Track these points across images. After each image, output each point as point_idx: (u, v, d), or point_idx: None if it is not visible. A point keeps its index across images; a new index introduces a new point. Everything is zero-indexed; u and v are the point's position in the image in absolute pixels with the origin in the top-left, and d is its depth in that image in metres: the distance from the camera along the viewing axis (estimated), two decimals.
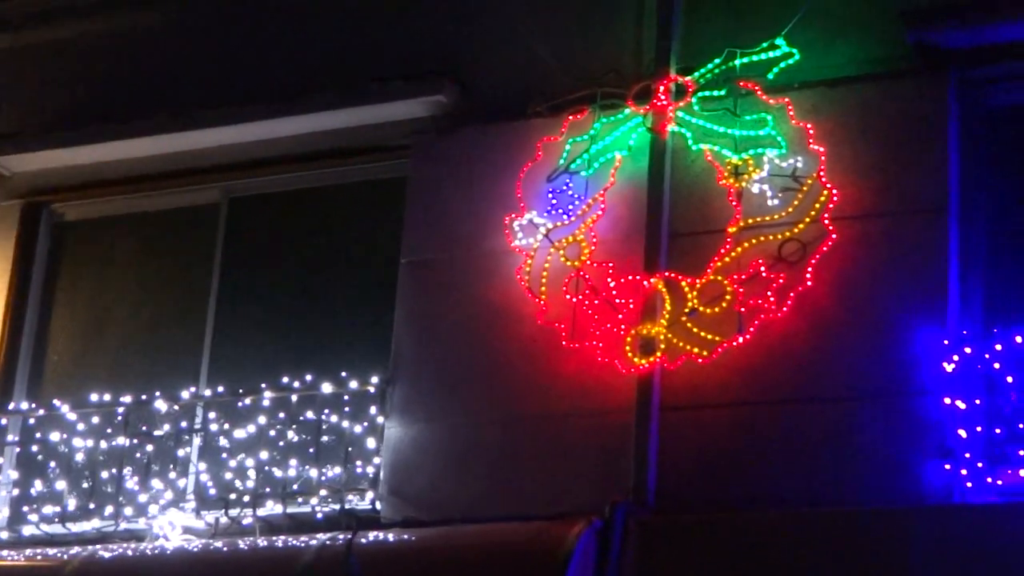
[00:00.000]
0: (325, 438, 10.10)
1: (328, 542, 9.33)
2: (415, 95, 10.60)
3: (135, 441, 10.52)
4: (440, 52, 10.66)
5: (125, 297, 11.38)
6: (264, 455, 10.20)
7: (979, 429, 8.62)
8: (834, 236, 9.20)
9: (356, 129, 10.79)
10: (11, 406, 10.99)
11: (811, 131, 9.42)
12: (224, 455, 10.33)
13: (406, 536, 9.03)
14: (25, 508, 10.69)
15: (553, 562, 8.53)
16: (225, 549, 9.62)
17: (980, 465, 8.58)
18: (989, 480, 8.57)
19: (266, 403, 10.28)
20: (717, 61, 9.81)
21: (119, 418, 10.60)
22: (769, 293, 9.22)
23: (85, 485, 10.53)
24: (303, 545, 9.39)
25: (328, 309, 10.70)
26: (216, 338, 10.94)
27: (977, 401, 8.65)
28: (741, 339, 9.22)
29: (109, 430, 10.62)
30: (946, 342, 8.84)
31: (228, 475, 10.27)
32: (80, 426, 10.68)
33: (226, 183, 11.22)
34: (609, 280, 9.60)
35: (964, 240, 9.14)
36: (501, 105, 10.42)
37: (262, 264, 11.07)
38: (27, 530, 10.64)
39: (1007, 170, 9.35)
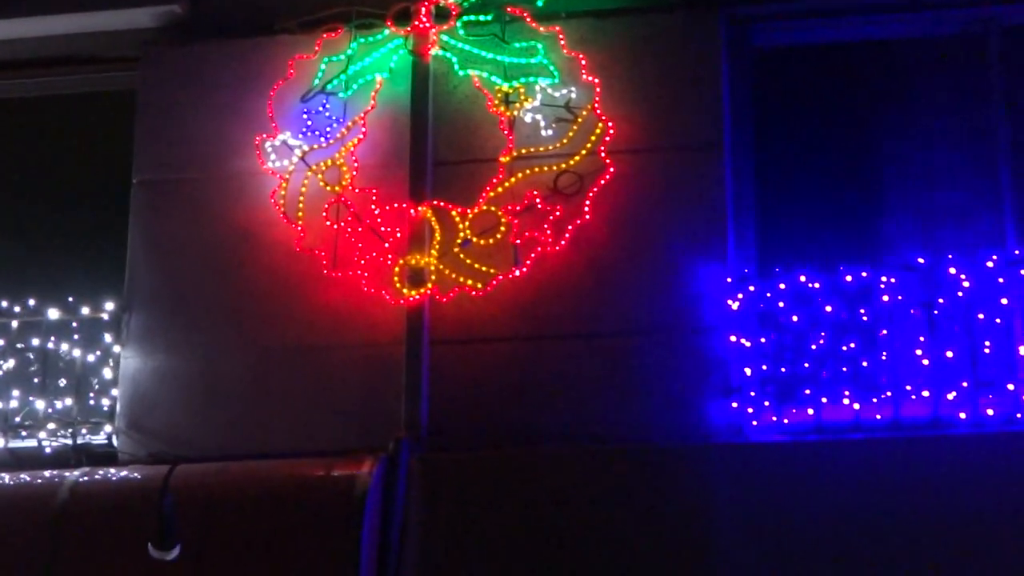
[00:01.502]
0: (56, 368, 8.86)
1: (83, 478, 8.20)
2: (144, 3, 9.42)
3: None
4: None
5: None
6: None
7: (764, 368, 8.26)
8: (611, 170, 8.65)
9: (81, 36, 9.52)
10: None
11: (583, 62, 8.82)
12: None
13: (188, 471, 7.94)
14: None
15: (350, 499, 7.73)
16: None
17: (766, 404, 8.22)
18: (775, 419, 8.22)
19: None
20: None
21: None
22: (546, 226, 8.61)
23: None
24: (53, 481, 8.21)
25: (52, 228, 9.43)
26: None
27: (762, 340, 8.28)
28: (517, 272, 8.57)
29: None
30: (729, 280, 8.43)
31: None
32: None
33: None
34: (373, 207, 8.78)
35: (736, 178, 8.73)
36: (241, 19, 9.38)
37: None
38: None
39: (773, 109, 8.99)
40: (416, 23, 9.00)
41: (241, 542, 7.82)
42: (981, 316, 8.15)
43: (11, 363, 8.96)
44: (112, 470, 8.51)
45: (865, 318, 8.25)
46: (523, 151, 8.75)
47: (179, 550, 7.61)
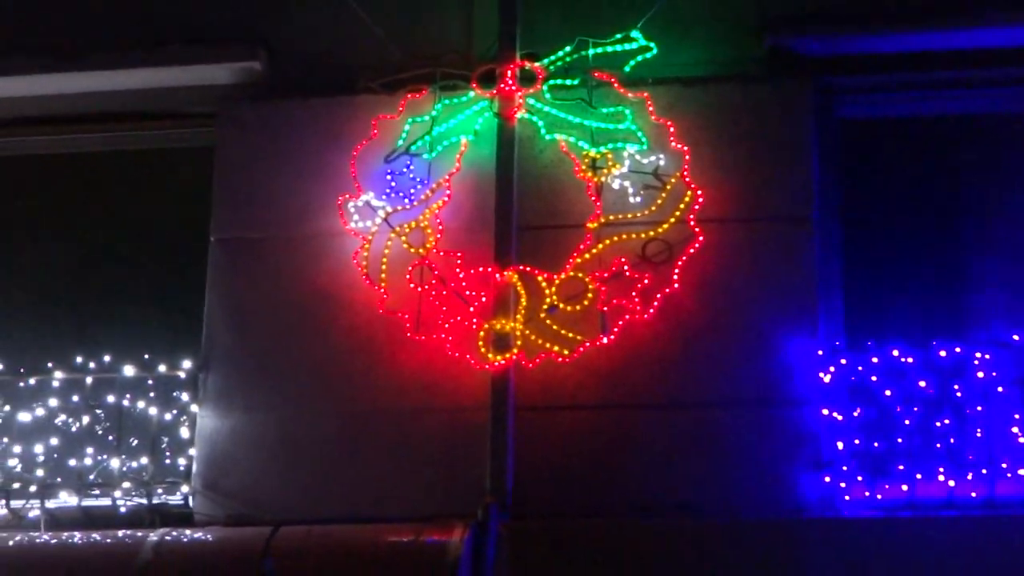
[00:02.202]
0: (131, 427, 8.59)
1: (165, 538, 7.91)
2: (223, 60, 9.19)
3: None
4: (256, 17, 9.30)
5: None
6: (55, 441, 8.59)
7: (856, 442, 8.00)
8: (701, 238, 8.41)
9: (158, 91, 9.28)
10: None
11: (672, 129, 8.60)
12: (6, 440, 8.66)
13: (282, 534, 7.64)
14: None
15: (443, 566, 7.45)
16: (51, 542, 8.06)
17: (859, 479, 7.96)
18: (867, 494, 7.96)
19: (56, 384, 8.66)
20: (568, 49, 8.84)
21: None
22: (633, 293, 8.36)
23: None
24: (134, 541, 7.91)
25: (130, 285, 9.15)
26: None
27: (855, 413, 8.03)
28: (605, 339, 8.31)
29: None
30: (820, 352, 8.19)
31: (12, 463, 8.62)
32: None
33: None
34: (458, 271, 8.52)
35: (824, 251, 8.51)
36: (322, 77, 9.14)
37: (44, 229, 9.40)
38: None
39: (862, 182, 8.78)
40: (502, 85, 8.76)
41: None
42: None
43: (86, 420, 8.64)
44: (192, 531, 8.20)
45: (959, 394, 8.00)
46: (611, 217, 8.52)
47: None
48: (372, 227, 8.65)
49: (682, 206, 8.46)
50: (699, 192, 8.46)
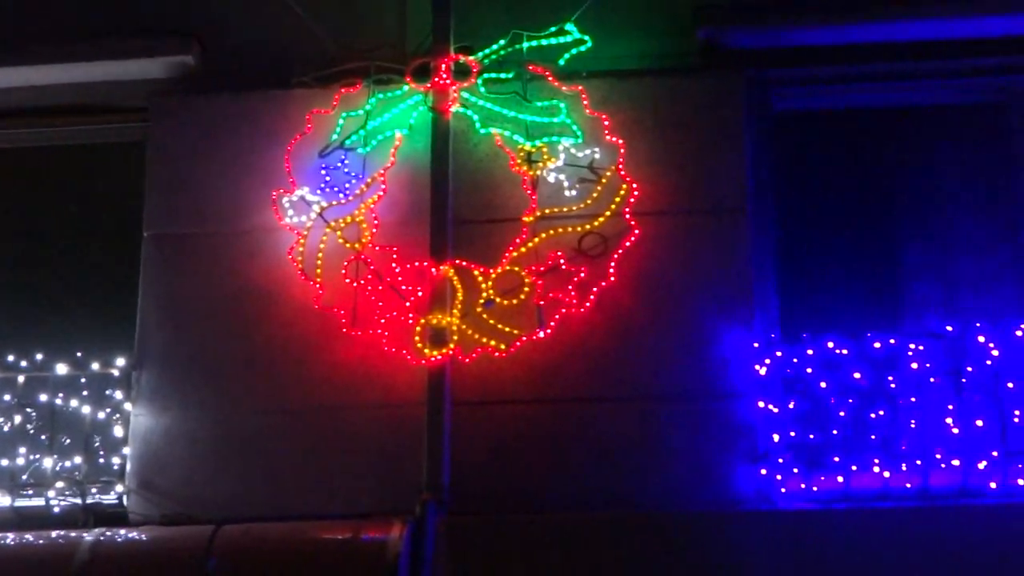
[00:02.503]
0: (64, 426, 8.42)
1: (103, 538, 7.75)
2: (156, 53, 9.03)
3: None
4: (189, 11, 9.14)
5: None
6: None
7: (792, 434, 7.95)
8: (636, 231, 8.33)
9: (89, 85, 9.10)
10: None
11: (607, 122, 8.51)
12: None
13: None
14: None
15: (383, 563, 7.35)
16: None
17: (795, 471, 7.91)
18: (803, 486, 7.91)
19: None
20: (503, 43, 8.74)
21: None
22: (570, 287, 8.27)
23: None
24: (70, 542, 7.75)
25: (61, 282, 8.97)
26: None
27: (791, 405, 7.97)
28: (541, 333, 8.22)
29: None
30: (756, 345, 8.13)
31: None
32: None
33: None
34: (394, 265, 8.40)
35: (758, 243, 8.44)
36: (255, 72, 8.99)
37: None
38: None
39: (795, 174, 8.72)
40: (436, 79, 8.65)
41: None
42: (1011, 385, 7.88)
43: (18, 420, 8.47)
44: (128, 531, 8.05)
45: (893, 385, 7.96)
46: (546, 211, 8.43)
47: None
48: (307, 222, 8.52)
49: (617, 199, 8.38)
50: (634, 185, 8.38)
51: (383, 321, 8.30)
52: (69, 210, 9.14)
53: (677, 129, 8.55)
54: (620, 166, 8.43)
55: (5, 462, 8.45)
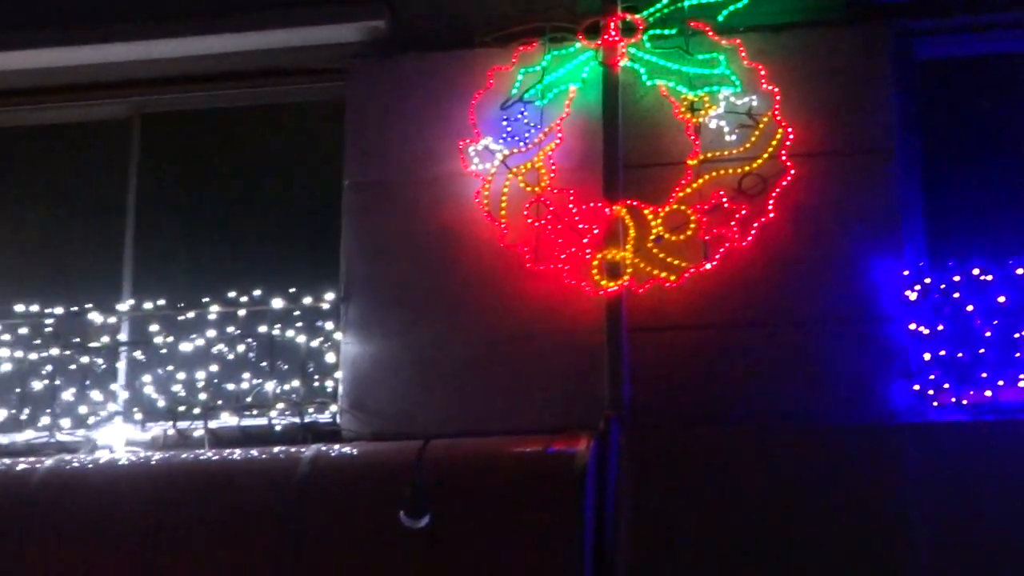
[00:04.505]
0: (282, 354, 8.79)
1: (320, 453, 8.10)
2: (351, 19, 9.28)
3: (68, 352, 8.92)
4: None
5: (37, 208, 9.67)
6: (214, 368, 8.79)
7: (942, 353, 8.07)
8: (792, 172, 8.47)
9: (290, 50, 9.38)
10: None
11: (763, 72, 8.64)
12: (171, 368, 8.87)
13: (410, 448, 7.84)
14: None
15: (571, 474, 7.61)
16: (215, 459, 8.26)
17: (946, 387, 8.04)
18: (953, 400, 8.04)
19: (212, 317, 8.86)
20: (666, 1, 8.89)
21: (48, 329, 8.97)
22: (732, 223, 8.44)
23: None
24: (287, 457, 8.11)
25: (276, 227, 9.31)
26: (139, 252, 9.43)
27: (940, 327, 8.09)
28: (707, 265, 8.41)
29: (38, 341, 8.99)
30: (906, 272, 8.26)
31: (176, 388, 8.84)
32: (5, 337, 8.99)
33: (138, 98, 9.64)
34: (571, 207, 8.62)
35: (906, 180, 8.54)
36: (441, 34, 9.23)
37: (187, 180, 9.60)
38: None
39: (936, 116, 8.80)
40: (605, 37, 8.83)
41: (474, 512, 7.70)
42: None
43: (241, 349, 8.83)
44: (343, 446, 8.39)
45: None
46: (709, 155, 8.59)
47: (428, 519, 7.49)
48: (491, 169, 8.77)
49: (774, 142, 8.51)
50: (789, 129, 8.52)
51: (563, 257, 8.53)
52: (279, 163, 9.43)
53: (828, 77, 8.65)
54: (776, 112, 8.56)
55: (231, 386, 8.81)
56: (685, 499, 7.83)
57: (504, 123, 8.85)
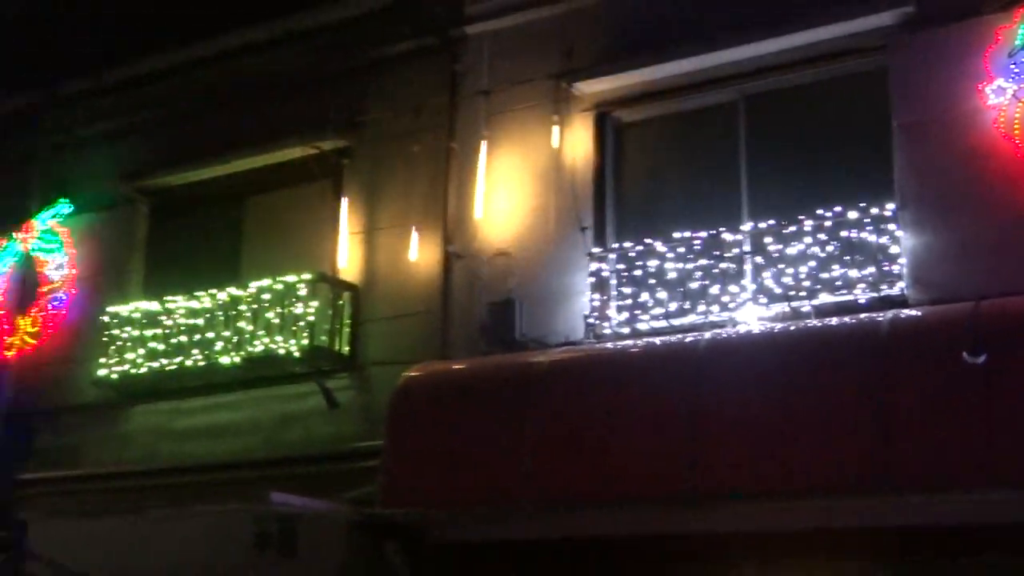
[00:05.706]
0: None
1: (897, 314, 11.13)
2: (885, 9, 12.31)
3: (711, 262, 12.43)
4: None
5: (672, 174, 13.28)
6: (812, 264, 12.03)
7: None
8: None
9: (835, 40, 12.54)
10: (611, 245, 12.96)
11: None
12: (782, 266, 12.17)
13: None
14: (637, 312, 12.68)
15: None
16: (819, 326, 11.41)
17: None
18: None
19: (807, 228, 12.11)
20: None
21: (697, 247, 12.50)
22: None
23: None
24: (873, 320, 11.13)
25: (831, 165, 12.51)
26: (752, 190, 12.79)
27: None
28: None
29: (691, 256, 12.54)
30: None
31: (787, 280, 12.13)
32: (668, 254, 12.63)
33: (742, 86, 13.03)
34: None
35: None
36: (953, 10, 12.02)
37: (782, 139, 12.87)
38: (640, 327, 12.60)
39: None
40: None
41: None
42: None
43: (830, 248, 11.99)
44: (910, 311, 11.25)
45: None
46: None
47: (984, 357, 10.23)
48: (1004, 102, 11.50)
49: None
50: None
51: None
52: (839, 120, 12.61)
53: None
54: None
55: (826, 275, 11.95)
56: None
57: (1012, 67, 11.56)
